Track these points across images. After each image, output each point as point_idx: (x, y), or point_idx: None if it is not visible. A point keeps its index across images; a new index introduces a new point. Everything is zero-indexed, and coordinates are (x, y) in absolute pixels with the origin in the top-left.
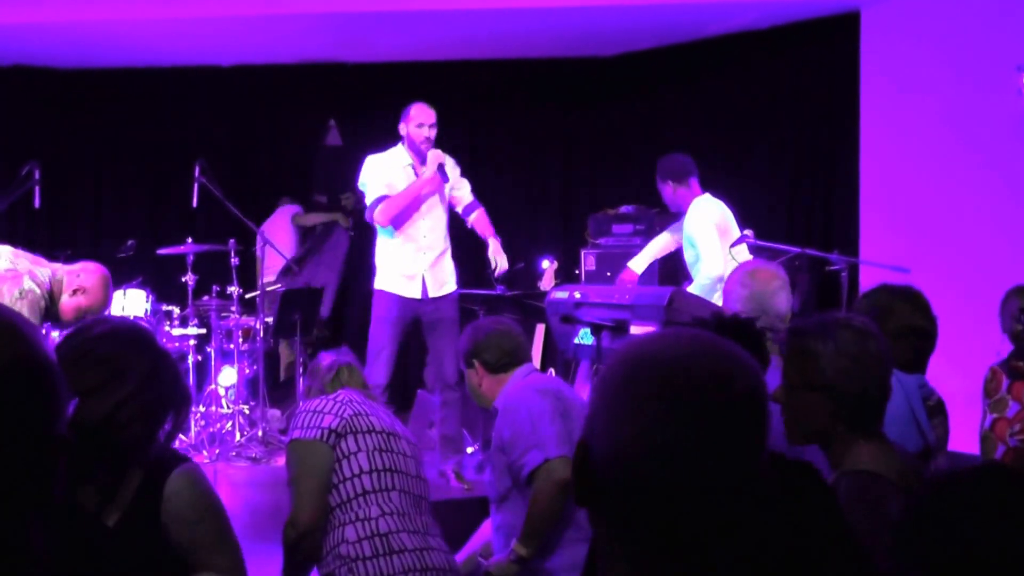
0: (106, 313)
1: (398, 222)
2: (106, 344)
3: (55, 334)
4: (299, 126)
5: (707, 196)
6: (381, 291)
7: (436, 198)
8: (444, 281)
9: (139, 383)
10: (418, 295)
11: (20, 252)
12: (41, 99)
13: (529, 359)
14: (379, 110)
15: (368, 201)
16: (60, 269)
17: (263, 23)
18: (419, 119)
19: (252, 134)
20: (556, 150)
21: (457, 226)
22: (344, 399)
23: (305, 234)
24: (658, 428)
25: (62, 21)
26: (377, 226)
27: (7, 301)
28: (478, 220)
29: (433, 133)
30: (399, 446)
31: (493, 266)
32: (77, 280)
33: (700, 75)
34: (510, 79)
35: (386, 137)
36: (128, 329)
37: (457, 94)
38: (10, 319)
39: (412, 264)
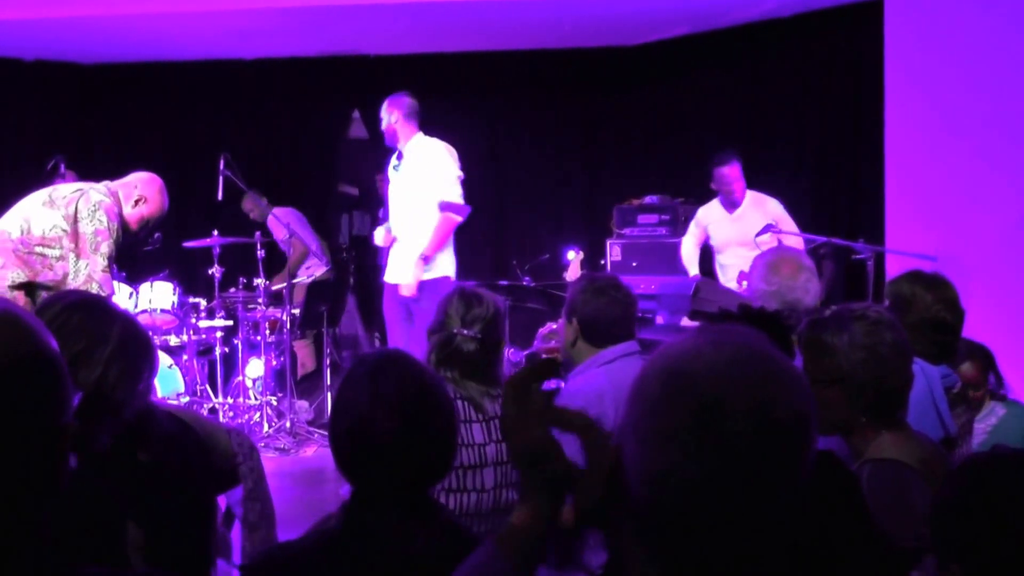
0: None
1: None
2: (79, 312)
3: None
4: (323, 119)
5: None
6: None
7: (393, 189)
8: (396, 270)
9: (118, 344)
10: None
11: (57, 185)
12: (64, 94)
13: (630, 337)
14: None
15: None
16: (112, 184)
17: (285, 16)
18: None
19: (276, 127)
20: (580, 140)
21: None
22: None
23: None
24: (692, 462)
25: (84, 16)
26: None
27: (85, 215)
28: None
29: (382, 126)
30: (479, 481)
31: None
32: (136, 191)
33: (724, 64)
34: (533, 69)
35: None
36: (91, 298)
37: (481, 85)
38: (18, 315)
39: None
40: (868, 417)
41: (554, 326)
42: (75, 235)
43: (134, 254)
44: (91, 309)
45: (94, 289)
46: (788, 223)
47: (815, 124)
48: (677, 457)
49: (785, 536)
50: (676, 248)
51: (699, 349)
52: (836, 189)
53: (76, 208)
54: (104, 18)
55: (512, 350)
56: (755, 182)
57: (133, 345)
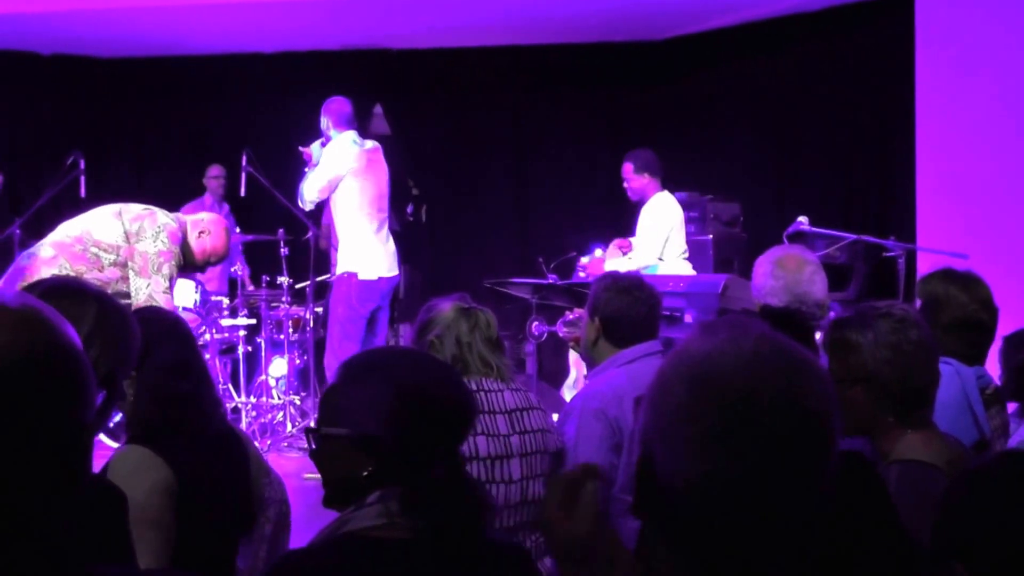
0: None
1: None
2: (52, 299)
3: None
4: None
5: (667, 192)
6: None
7: None
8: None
9: (95, 322)
10: None
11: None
12: (84, 88)
13: (653, 336)
14: (425, 96)
15: None
16: (179, 215)
17: (306, 9)
18: None
19: (297, 122)
20: (605, 136)
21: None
22: None
23: None
24: (730, 465)
25: (102, 9)
26: None
27: (149, 235)
28: None
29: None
30: (506, 471)
31: None
32: (201, 223)
33: (751, 58)
34: (559, 64)
35: (433, 123)
36: (61, 281)
37: (504, 80)
38: (39, 310)
39: None
40: (894, 417)
41: (581, 311)
42: (131, 252)
43: None
44: (64, 292)
45: None
46: (645, 233)
47: (844, 119)
48: (716, 461)
49: (815, 535)
50: (704, 245)
51: (720, 348)
52: (866, 186)
53: (141, 227)
54: (123, 11)
55: (536, 323)
56: (783, 179)
57: (110, 321)
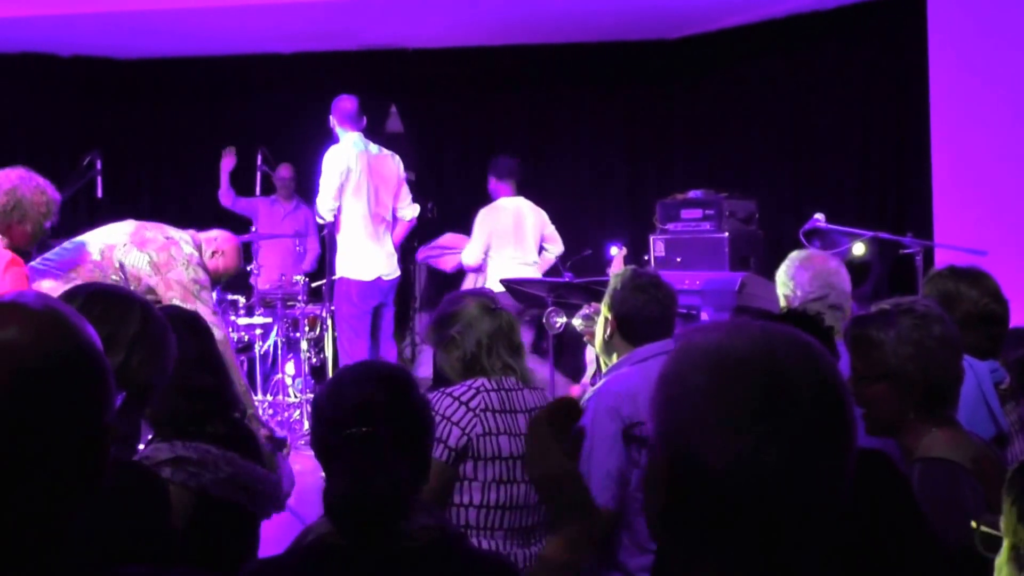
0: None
1: None
2: (100, 304)
3: None
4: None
5: (518, 199)
6: None
7: None
8: None
9: (139, 329)
10: None
11: (145, 224)
12: (101, 89)
13: (668, 335)
14: (440, 96)
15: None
16: (196, 234)
17: (322, 9)
18: None
19: (313, 121)
20: (622, 135)
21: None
22: (480, 404)
23: None
24: (763, 441)
25: (121, 11)
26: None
27: (181, 264)
28: None
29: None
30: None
31: None
32: (215, 243)
33: (766, 56)
34: (574, 63)
35: (447, 122)
36: (109, 287)
37: (520, 79)
38: (61, 312)
39: None
40: (918, 414)
41: (597, 305)
42: (167, 282)
43: None
44: (111, 297)
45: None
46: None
47: (860, 116)
48: (749, 439)
49: (842, 525)
50: (721, 243)
51: (732, 335)
52: (882, 183)
53: (170, 256)
54: (141, 13)
55: (552, 310)
56: (799, 176)
57: (153, 330)
